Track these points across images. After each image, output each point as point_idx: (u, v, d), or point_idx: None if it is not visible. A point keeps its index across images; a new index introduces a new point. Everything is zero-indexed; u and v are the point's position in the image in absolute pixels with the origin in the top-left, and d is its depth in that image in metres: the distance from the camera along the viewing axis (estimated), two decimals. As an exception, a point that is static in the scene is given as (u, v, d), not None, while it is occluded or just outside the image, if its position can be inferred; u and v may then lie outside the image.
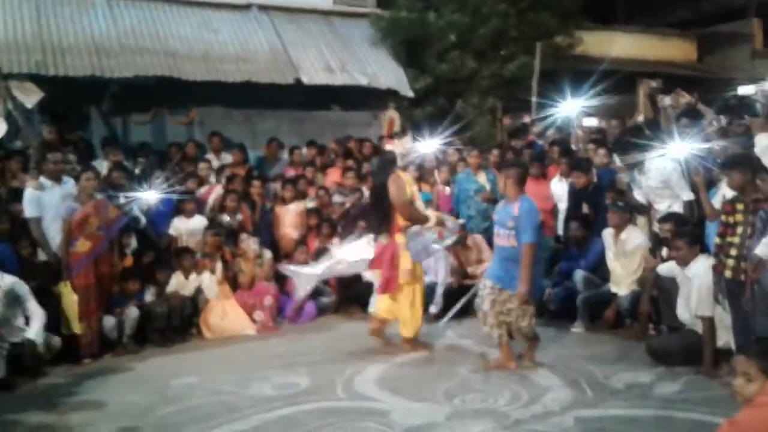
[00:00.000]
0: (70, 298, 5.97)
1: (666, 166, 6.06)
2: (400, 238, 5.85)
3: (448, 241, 6.22)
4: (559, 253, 7.30)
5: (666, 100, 6.98)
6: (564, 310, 6.57)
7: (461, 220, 6.75)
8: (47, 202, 6.23)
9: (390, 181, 5.84)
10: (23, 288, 5.62)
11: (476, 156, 8.30)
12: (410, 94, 10.61)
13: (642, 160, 6.20)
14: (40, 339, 5.52)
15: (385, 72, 10.77)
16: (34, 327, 5.51)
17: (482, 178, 8.20)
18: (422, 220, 5.93)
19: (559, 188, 7.34)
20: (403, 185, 5.82)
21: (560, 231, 7.33)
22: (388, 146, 6.10)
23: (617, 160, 7.34)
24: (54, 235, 6.20)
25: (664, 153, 6.05)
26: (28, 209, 6.22)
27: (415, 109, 10.26)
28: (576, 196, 6.89)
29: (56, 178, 6.37)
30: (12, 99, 7.78)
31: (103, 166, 7.88)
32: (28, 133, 7.87)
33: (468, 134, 10.09)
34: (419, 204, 6.05)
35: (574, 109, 9.02)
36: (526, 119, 10.40)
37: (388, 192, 5.79)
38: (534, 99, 10.22)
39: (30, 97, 8.42)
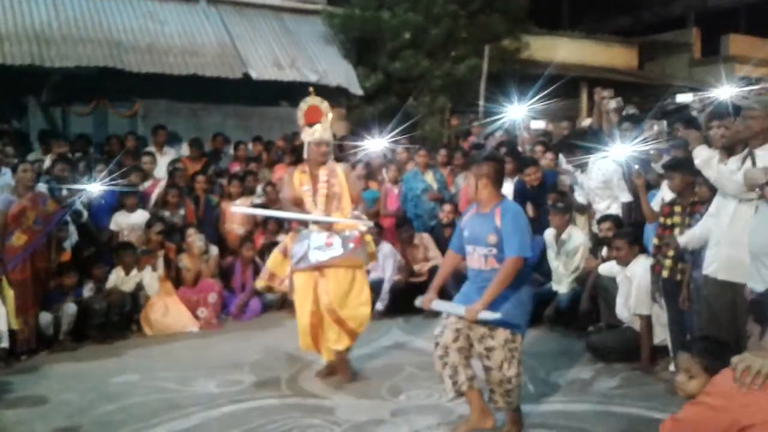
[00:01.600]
0: (7, 293, 5.76)
1: (608, 167, 6.23)
2: (288, 238, 5.33)
3: (335, 253, 4.92)
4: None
5: (612, 104, 7.15)
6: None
7: (363, 228, 5.07)
8: (-18, 193, 6.01)
9: (286, 177, 5.40)
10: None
11: (424, 155, 8.36)
12: (359, 92, 10.63)
13: (586, 161, 6.37)
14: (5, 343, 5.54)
15: (335, 69, 10.76)
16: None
17: (429, 177, 8.26)
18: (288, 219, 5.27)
19: (504, 188, 7.44)
20: (287, 181, 5.26)
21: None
22: (302, 135, 5.22)
23: (563, 162, 7.51)
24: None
25: (606, 155, 6.22)
26: (-37, 201, 5.97)
27: (365, 107, 10.27)
28: (521, 195, 7.01)
29: (-8, 169, 6.15)
30: (-55, 86, 7.47)
31: (41, 158, 7.62)
32: (-38, 122, 7.58)
33: (418, 133, 10.16)
34: (308, 202, 5.09)
35: (520, 112, 9.18)
36: (473, 120, 10.55)
37: None
38: (481, 101, 10.37)
39: (-36, 84, 8.10)
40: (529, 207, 7.02)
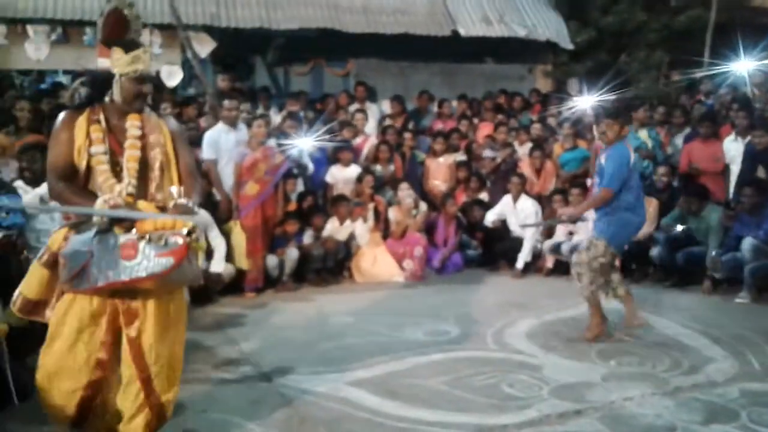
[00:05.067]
0: (239, 236, 6.41)
1: None
2: (60, 235, 3.00)
3: (140, 272, 2.78)
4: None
5: None
6: (730, 279, 6.22)
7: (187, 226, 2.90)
8: (223, 146, 6.63)
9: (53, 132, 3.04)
10: (209, 218, 6.10)
11: (643, 112, 7.92)
12: (570, 46, 10.23)
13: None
14: (221, 269, 6.13)
15: (544, 23, 10.43)
16: (217, 258, 6.10)
17: (644, 134, 7.82)
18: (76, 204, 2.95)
19: (733, 148, 6.83)
20: (56, 136, 2.99)
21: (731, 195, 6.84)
22: (101, 60, 3.08)
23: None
24: (227, 177, 6.61)
25: None
26: (206, 151, 6.63)
27: (573, 65, 9.87)
28: (753, 158, 6.41)
29: (232, 124, 6.73)
30: (190, 48, 8.33)
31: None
32: (202, 81, 8.43)
33: (631, 90, 9.59)
34: (103, 172, 2.96)
35: (750, 66, 8.31)
36: (697, 75, 9.73)
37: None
38: (706, 54, 9.52)
39: (204, 47, 8.99)
40: (761, 171, 6.41)
